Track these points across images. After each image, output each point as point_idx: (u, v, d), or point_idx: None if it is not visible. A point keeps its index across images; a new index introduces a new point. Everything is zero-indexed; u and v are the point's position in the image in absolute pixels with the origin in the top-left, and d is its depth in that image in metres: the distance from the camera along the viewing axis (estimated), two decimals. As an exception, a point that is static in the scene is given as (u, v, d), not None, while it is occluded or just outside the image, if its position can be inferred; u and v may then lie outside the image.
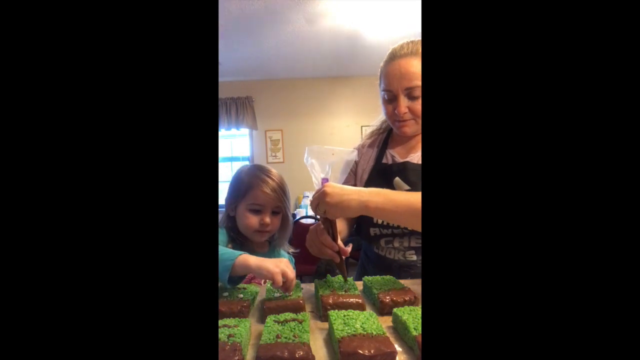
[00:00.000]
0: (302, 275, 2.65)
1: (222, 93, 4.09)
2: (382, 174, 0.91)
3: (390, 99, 0.86)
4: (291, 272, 0.62)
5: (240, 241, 0.91)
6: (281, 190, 0.89)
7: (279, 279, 0.60)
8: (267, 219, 0.87)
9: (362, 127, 4.23)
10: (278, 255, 0.96)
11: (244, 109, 4.17)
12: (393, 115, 0.86)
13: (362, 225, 0.94)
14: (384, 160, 0.94)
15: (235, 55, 3.41)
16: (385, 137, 0.98)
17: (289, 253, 1.00)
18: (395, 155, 0.93)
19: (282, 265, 0.62)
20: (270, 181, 0.88)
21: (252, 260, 0.63)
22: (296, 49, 3.33)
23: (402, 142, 0.94)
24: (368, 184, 0.92)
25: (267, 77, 4.15)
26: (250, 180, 0.88)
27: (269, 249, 0.95)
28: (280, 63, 3.72)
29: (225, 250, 0.69)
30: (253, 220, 0.87)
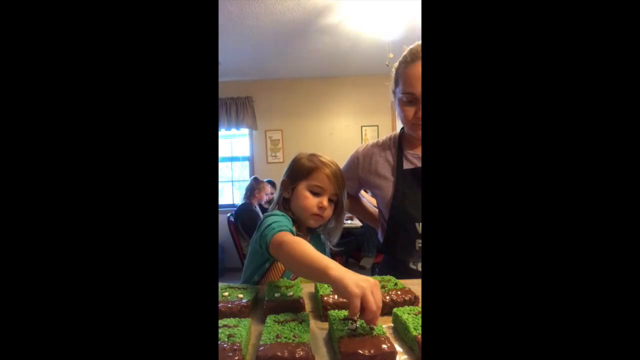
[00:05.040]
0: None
1: (222, 93, 4.09)
2: (416, 176, 0.89)
3: (411, 102, 0.83)
4: (375, 300, 0.48)
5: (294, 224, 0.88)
6: (341, 179, 0.89)
7: (357, 304, 0.47)
8: (325, 202, 0.86)
9: (362, 127, 4.23)
10: (318, 246, 0.93)
11: (244, 109, 4.17)
12: (413, 119, 0.83)
13: (401, 236, 0.90)
14: (405, 163, 0.92)
15: (235, 55, 3.41)
16: (399, 139, 0.96)
17: (331, 247, 0.97)
18: (413, 158, 0.91)
19: (364, 285, 0.48)
20: (333, 166, 0.88)
21: (334, 270, 0.52)
22: (296, 49, 3.33)
23: (418, 144, 0.92)
24: (398, 186, 0.90)
25: (267, 77, 4.15)
26: (313, 163, 0.88)
27: (311, 239, 0.93)
28: (280, 63, 3.71)
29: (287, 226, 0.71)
30: (312, 201, 0.85)
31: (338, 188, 0.87)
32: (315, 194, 0.86)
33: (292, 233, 0.71)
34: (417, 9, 2.55)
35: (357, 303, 0.47)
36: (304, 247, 0.62)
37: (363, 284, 0.48)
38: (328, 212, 0.88)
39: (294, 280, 0.83)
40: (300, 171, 0.88)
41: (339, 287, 0.50)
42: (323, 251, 0.95)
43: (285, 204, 0.89)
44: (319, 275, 0.55)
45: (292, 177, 0.89)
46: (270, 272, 0.84)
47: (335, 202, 0.89)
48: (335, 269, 0.52)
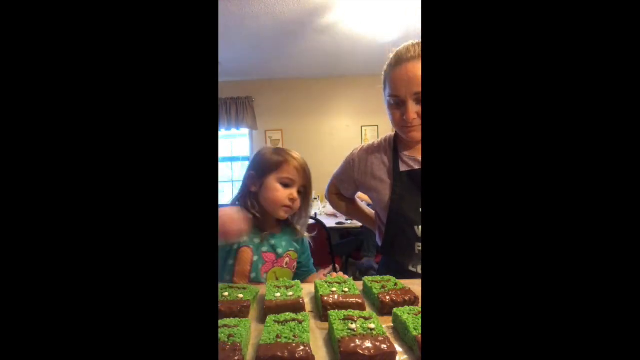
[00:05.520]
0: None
1: (222, 93, 4.09)
2: (412, 179, 0.89)
3: (398, 105, 0.84)
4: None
5: (259, 218, 0.90)
6: (308, 172, 0.91)
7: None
8: (296, 194, 0.88)
9: (362, 127, 4.23)
10: (292, 237, 0.95)
11: (244, 109, 4.17)
12: (401, 121, 0.84)
13: (399, 239, 0.90)
14: (401, 165, 0.92)
15: (235, 55, 3.41)
16: (394, 141, 0.96)
17: (305, 236, 0.99)
18: (409, 160, 0.91)
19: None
20: (301, 159, 0.91)
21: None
22: (296, 49, 3.33)
23: (413, 145, 0.93)
24: (395, 188, 0.91)
25: (267, 77, 4.15)
26: (282, 157, 0.90)
27: (282, 231, 0.95)
28: (280, 63, 3.71)
29: None
30: (283, 193, 0.87)
31: (306, 180, 0.90)
32: (286, 185, 0.88)
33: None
34: (417, 9, 2.55)
35: None
36: None
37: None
38: (297, 203, 0.89)
39: (263, 271, 0.85)
40: (269, 165, 0.89)
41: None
42: (302, 243, 0.96)
43: (253, 197, 0.91)
44: None
45: (259, 171, 0.90)
46: (236, 265, 0.86)
47: (303, 194, 0.91)
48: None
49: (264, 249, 0.89)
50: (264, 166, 0.90)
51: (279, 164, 0.88)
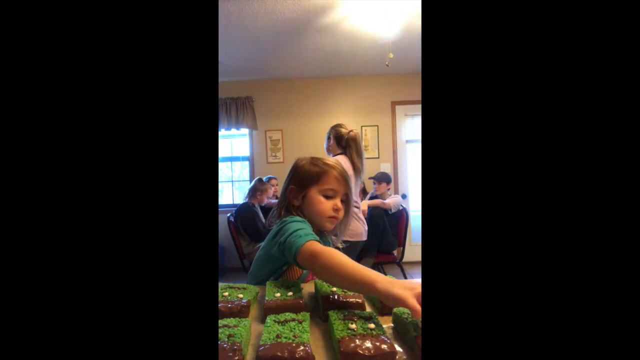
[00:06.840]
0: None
1: (222, 93, 4.09)
2: None
3: None
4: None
5: None
6: (348, 178, 0.90)
7: (415, 304, 0.45)
8: (340, 204, 0.88)
9: (362, 127, 4.23)
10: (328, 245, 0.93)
11: (244, 109, 4.17)
12: None
13: None
14: None
15: (235, 55, 3.41)
16: None
17: (338, 246, 0.96)
18: None
19: (412, 286, 0.49)
20: (339, 167, 0.90)
21: (381, 283, 0.52)
22: (296, 49, 3.33)
23: None
24: None
25: (267, 77, 4.15)
26: (320, 168, 0.89)
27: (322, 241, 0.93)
28: (280, 63, 3.71)
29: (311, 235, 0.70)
30: (327, 204, 0.87)
31: (347, 188, 0.89)
32: (328, 197, 0.87)
33: (318, 241, 0.71)
34: (417, 9, 2.55)
35: (415, 302, 0.46)
36: (342, 259, 0.62)
37: (410, 286, 0.49)
38: (341, 213, 0.89)
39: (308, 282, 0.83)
40: (309, 177, 0.88)
41: (389, 299, 0.50)
42: None
43: (296, 210, 0.88)
44: (364, 288, 0.56)
45: (300, 184, 0.89)
46: (287, 274, 0.84)
47: (345, 202, 0.90)
48: (381, 281, 0.53)
49: None
50: (303, 179, 0.88)
51: (319, 175, 0.87)
